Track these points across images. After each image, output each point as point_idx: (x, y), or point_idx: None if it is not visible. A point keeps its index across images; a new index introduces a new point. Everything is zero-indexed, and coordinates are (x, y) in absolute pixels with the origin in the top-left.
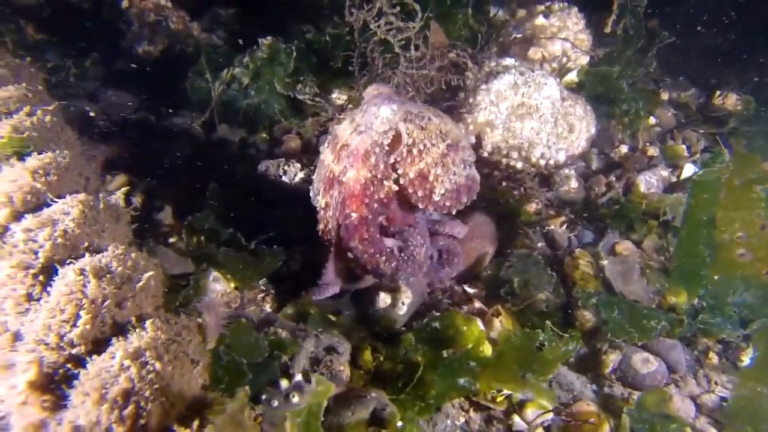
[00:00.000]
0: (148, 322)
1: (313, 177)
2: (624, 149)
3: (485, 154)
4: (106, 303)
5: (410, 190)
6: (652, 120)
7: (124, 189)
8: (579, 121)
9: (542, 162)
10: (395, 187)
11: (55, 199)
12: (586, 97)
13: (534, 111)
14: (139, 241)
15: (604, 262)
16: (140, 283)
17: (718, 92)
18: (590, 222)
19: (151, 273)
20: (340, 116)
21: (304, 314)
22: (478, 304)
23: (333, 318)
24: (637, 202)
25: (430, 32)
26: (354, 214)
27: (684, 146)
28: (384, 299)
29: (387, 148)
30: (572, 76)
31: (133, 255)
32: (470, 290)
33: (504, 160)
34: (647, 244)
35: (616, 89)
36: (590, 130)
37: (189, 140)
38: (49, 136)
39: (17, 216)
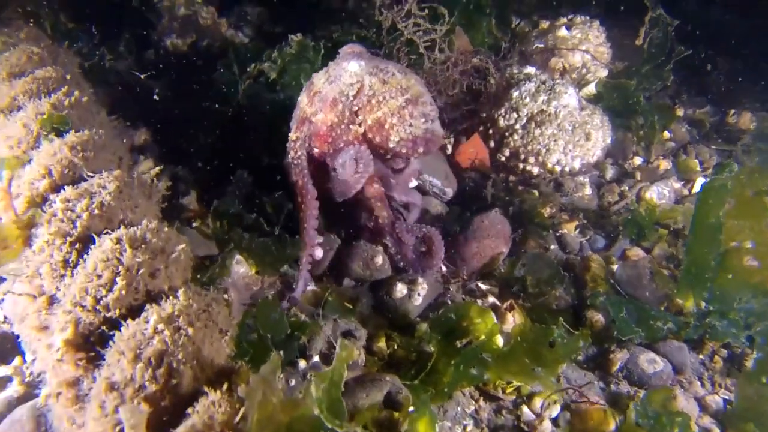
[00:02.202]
0: (180, 291)
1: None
2: (638, 161)
3: (503, 158)
4: (140, 271)
5: (369, 135)
6: (666, 134)
7: (156, 169)
8: (596, 130)
9: (558, 168)
10: (361, 130)
11: (91, 174)
12: (603, 108)
13: (553, 118)
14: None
15: (615, 267)
16: (173, 255)
17: (732, 111)
18: (602, 228)
19: (182, 246)
20: None
21: (323, 300)
22: (491, 299)
23: (350, 306)
24: (649, 210)
25: (454, 37)
26: (316, 149)
27: (697, 161)
28: (401, 290)
29: (352, 98)
30: (591, 88)
31: (165, 229)
32: (484, 286)
33: (521, 165)
34: (657, 252)
35: (633, 102)
36: (606, 140)
37: (214, 130)
38: (85, 115)
39: (56, 187)
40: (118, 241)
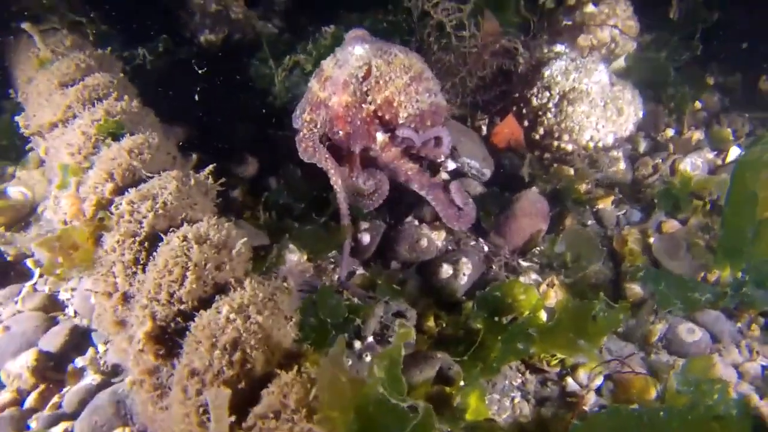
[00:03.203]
0: (246, 282)
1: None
2: (670, 132)
3: (537, 137)
4: (207, 265)
5: (380, 113)
6: (698, 104)
7: (209, 168)
8: (627, 105)
9: (591, 144)
10: (372, 108)
11: (150, 175)
12: (633, 81)
13: (585, 95)
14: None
15: (652, 239)
16: (236, 248)
17: (765, 77)
18: (638, 202)
19: (243, 239)
20: None
21: (372, 284)
22: (534, 276)
23: (398, 288)
24: (684, 182)
25: (483, 20)
26: (341, 132)
27: (730, 130)
28: (446, 270)
29: (361, 79)
30: (620, 62)
31: (225, 225)
32: (525, 263)
33: (555, 143)
34: (693, 223)
35: (663, 74)
36: (638, 114)
37: (253, 123)
38: (136, 119)
39: (119, 190)
40: (185, 238)
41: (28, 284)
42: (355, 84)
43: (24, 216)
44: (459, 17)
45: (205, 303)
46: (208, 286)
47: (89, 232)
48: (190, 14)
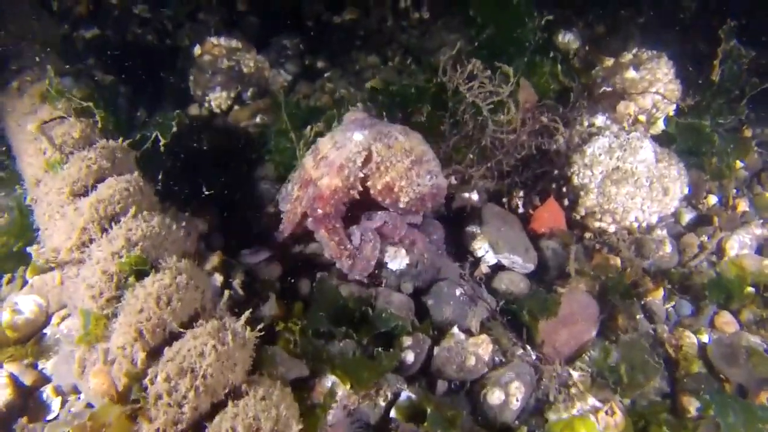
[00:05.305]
0: None
1: (291, 176)
2: (713, 200)
3: (578, 217)
4: None
5: (379, 199)
6: (738, 163)
7: (246, 315)
8: (673, 182)
9: (635, 225)
10: (357, 196)
11: (182, 331)
12: (676, 149)
13: (629, 176)
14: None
15: (707, 342)
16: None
17: None
18: (687, 291)
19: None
20: None
21: (421, 411)
22: (591, 400)
23: (451, 413)
24: (739, 278)
25: (519, 90)
26: (320, 210)
27: None
28: (498, 396)
29: (360, 164)
30: (659, 126)
31: (275, 395)
32: (576, 374)
33: (596, 224)
34: (747, 317)
35: (708, 142)
36: (684, 190)
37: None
38: (158, 240)
39: (151, 353)
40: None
41: None
42: (350, 168)
43: (39, 327)
44: (498, 101)
45: None
46: None
47: (125, 415)
48: (199, 71)
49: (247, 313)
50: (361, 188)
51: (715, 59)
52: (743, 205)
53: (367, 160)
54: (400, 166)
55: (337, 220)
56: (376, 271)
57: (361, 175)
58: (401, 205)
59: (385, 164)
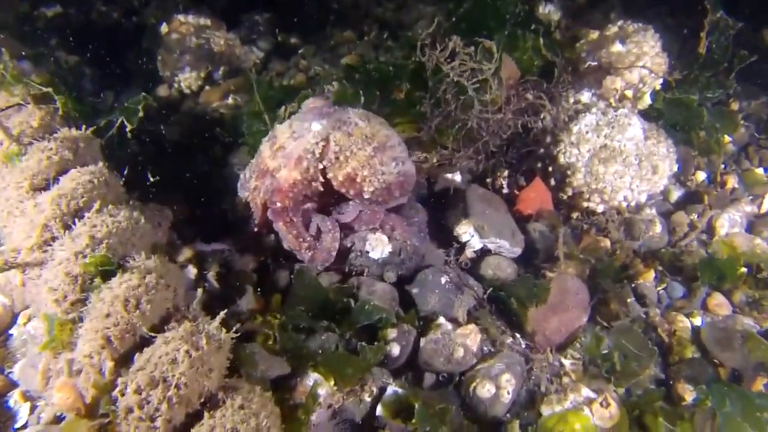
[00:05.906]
0: None
1: (251, 162)
2: (701, 176)
3: (565, 197)
4: None
5: (343, 191)
6: (726, 138)
7: (221, 315)
8: (663, 160)
9: (624, 204)
10: (321, 188)
11: (152, 335)
12: (663, 125)
13: (618, 154)
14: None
15: (700, 325)
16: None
17: None
18: (679, 272)
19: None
20: None
21: (408, 406)
22: (585, 392)
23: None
24: (732, 258)
25: (502, 66)
26: (278, 204)
27: (762, 171)
28: (489, 389)
29: (318, 155)
30: (646, 100)
31: (254, 402)
32: (567, 363)
33: (585, 204)
34: (739, 298)
35: (696, 117)
36: (673, 168)
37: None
38: (125, 236)
39: (119, 360)
40: None
41: None
42: (309, 160)
43: (4, 328)
44: (482, 79)
45: None
46: None
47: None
48: (168, 51)
49: (222, 314)
50: (323, 179)
51: (702, 31)
52: (732, 182)
53: (325, 150)
54: (361, 155)
55: (296, 213)
56: (356, 262)
57: (321, 166)
58: (366, 196)
59: (345, 153)
